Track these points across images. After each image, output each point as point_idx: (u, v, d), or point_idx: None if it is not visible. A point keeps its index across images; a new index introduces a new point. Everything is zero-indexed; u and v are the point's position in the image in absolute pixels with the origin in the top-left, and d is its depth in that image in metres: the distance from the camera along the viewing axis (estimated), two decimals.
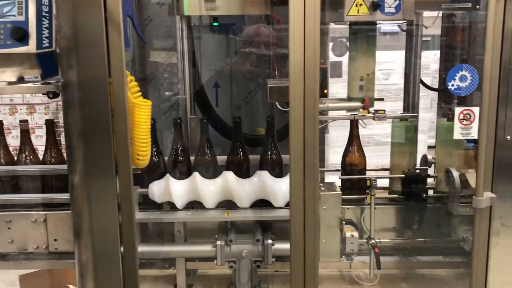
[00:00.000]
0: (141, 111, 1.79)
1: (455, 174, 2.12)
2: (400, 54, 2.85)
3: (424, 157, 2.41)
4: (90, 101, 1.74)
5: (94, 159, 1.78)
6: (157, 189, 2.15)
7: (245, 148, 2.27)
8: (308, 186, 1.82)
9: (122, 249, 1.85)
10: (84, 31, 1.69)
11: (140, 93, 1.88)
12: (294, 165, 1.81)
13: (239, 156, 2.23)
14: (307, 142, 1.79)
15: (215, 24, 2.70)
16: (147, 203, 2.26)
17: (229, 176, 2.11)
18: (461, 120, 1.81)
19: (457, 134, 1.83)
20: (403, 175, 2.32)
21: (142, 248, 2.24)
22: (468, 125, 1.81)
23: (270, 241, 2.19)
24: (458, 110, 1.80)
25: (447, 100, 2.55)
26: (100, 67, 1.72)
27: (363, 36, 2.23)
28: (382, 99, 2.46)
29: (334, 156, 3.14)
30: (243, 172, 2.25)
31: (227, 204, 2.22)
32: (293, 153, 1.80)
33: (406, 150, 2.33)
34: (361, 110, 2.18)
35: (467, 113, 1.80)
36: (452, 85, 1.81)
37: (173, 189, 2.10)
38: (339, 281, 2.48)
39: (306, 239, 1.86)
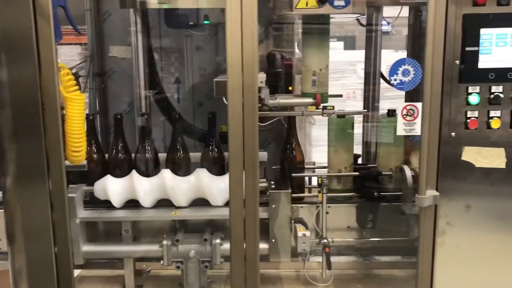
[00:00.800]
0: (73, 105, 1.73)
1: (408, 172, 2.07)
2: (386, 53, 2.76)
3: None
4: (21, 98, 1.67)
5: (26, 159, 1.71)
6: (98, 187, 2.09)
7: (185, 145, 2.20)
8: (248, 184, 1.76)
9: (56, 249, 1.78)
10: (11, 22, 1.63)
11: (76, 87, 1.81)
12: (233, 162, 1.75)
13: (178, 153, 2.16)
14: (247, 138, 1.73)
15: (206, 22, 2.64)
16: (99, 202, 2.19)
17: (165, 174, 2.05)
18: (405, 116, 1.75)
19: (401, 131, 1.77)
20: (356, 173, 2.27)
21: (87, 248, 2.18)
22: (411, 121, 1.76)
23: (218, 240, 2.13)
24: (401, 105, 1.75)
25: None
26: (30, 61, 1.65)
27: (315, 30, 2.17)
28: (340, 95, 2.40)
29: (317, 155, 3.08)
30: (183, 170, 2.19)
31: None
32: (232, 149, 1.74)
33: (342, 148, 2.27)
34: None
35: (411, 109, 1.75)
36: (395, 79, 1.75)
37: (109, 187, 2.04)
38: (294, 282, 2.42)
39: (246, 238, 1.80)
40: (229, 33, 1.67)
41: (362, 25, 2.55)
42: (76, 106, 1.73)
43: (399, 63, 1.75)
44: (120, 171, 2.11)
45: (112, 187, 2.05)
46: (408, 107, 1.74)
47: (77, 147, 1.77)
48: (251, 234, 1.80)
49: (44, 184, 1.73)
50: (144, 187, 2.04)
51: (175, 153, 2.14)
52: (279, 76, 2.70)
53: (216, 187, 2.04)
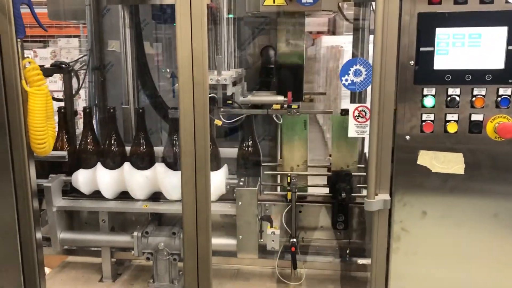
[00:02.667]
0: (35, 99, 1.80)
1: None
2: None
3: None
4: None
5: None
6: (73, 178, 2.19)
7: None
8: (200, 180, 1.78)
9: (20, 239, 1.87)
10: None
11: (43, 81, 1.88)
12: (184, 159, 1.77)
13: (141, 147, 2.20)
14: (198, 135, 1.74)
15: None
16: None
17: (125, 167, 2.11)
18: (356, 118, 1.70)
19: (352, 132, 1.73)
20: (329, 173, 2.23)
21: (64, 235, 2.28)
22: (363, 123, 1.71)
23: None
24: (352, 106, 1.70)
25: None
26: None
27: (288, 27, 2.15)
28: (324, 93, 2.37)
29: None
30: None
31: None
32: (184, 147, 1.76)
33: (296, 146, 2.23)
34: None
35: (362, 110, 1.69)
36: (346, 80, 1.70)
37: (79, 178, 2.12)
38: (267, 279, 2.43)
39: (198, 234, 1.82)
40: (179, 31, 1.68)
41: (348, 20, 2.48)
42: (38, 100, 1.80)
43: (351, 63, 1.69)
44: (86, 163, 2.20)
45: (80, 178, 2.13)
46: (360, 108, 1.69)
47: (41, 140, 1.84)
48: (203, 229, 1.81)
49: (8, 176, 1.82)
50: (105, 180, 2.11)
51: (138, 147, 2.18)
52: (272, 72, 2.68)
53: (168, 182, 2.08)
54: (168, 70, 2.99)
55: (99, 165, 2.15)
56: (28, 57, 1.90)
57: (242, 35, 2.75)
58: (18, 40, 1.78)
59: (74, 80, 2.61)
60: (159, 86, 2.96)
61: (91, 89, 3.04)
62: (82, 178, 2.16)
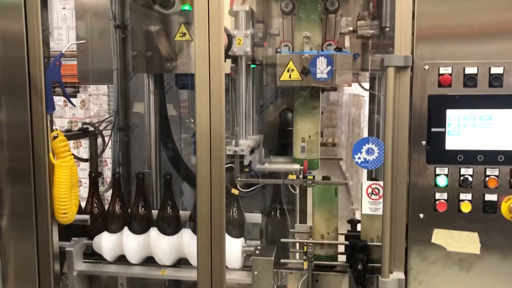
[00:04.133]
0: (61, 172, 1.89)
1: None
2: None
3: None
4: (17, 166, 1.88)
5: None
6: (95, 242, 2.25)
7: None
8: (215, 248, 1.81)
9: None
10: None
11: (69, 152, 1.97)
12: (201, 227, 1.81)
13: (168, 212, 2.24)
14: (214, 205, 1.79)
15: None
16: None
17: (152, 233, 2.17)
18: (370, 195, 1.73)
19: (366, 209, 1.74)
20: (340, 242, 2.23)
21: None
22: (377, 200, 1.73)
23: None
24: (366, 184, 1.73)
25: None
26: (23, 131, 1.86)
27: (304, 97, 2.22)
28: (340, 159, 2.40)
29: None
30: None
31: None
32: (200, 214, 1.80)
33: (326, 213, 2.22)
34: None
35: (376, 188, 1.72)
36: (359, 158, 1.74)
37: (103, 243, 2.19)
38: None
39: None
40: (198, 102, 1.75)
41: (365, 89, 2.55)
42: (63, 172, 1.89)
43: (363, 141, 1.74)
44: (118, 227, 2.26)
45: (105, 243, 2.19)
46: (373, 186, 1.71)
47: (65, 210, 1.92)
48: None
49: (32, 239, 1.90)
50: (132, 245, 2.17)
51: (164, 212, 2.22)
52: (290, 135, 2.74)
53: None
54: (192, 120, 3.09)
55: (125, 229, 2.21)
56: (56, 129, 2.01)
57: (262, 97, 2.83)
58: (48, 115, 1.89)
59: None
60: (180, 139, 3.05)
61: (115, 149, 3.15)
62: (106, 243, 2.21)
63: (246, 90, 2.27)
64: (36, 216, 1.90)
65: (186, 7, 2.16)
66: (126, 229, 2.23)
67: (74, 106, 2.27)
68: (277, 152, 2.71)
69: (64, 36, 6.66)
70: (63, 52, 1.92)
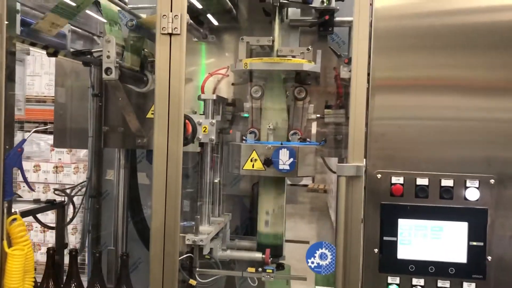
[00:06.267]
0: (13, 261, 1.86)
1: None
2: None
3: None
4: None
5: None
6: None
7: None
8: None
9: None
10: None
11: (26, 237, 1.95)
12: None
13: None
14: None
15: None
16: None
17: None
18: None
19: None
20: None
21: None
22: None
23: None
24: None
25: None
26: None
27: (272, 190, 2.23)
28: (307, 242, 2.39)
29: None
30: None
31: None
32: None
33: None
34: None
35: None
36: (312, 262, 1.73)
37: None
38: None
39: None
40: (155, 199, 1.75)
41: (333, 172, 2.56)
42: (16, 262, 1.86)
43: (316, 246, 1.74)
44: None
45: None
46: None
47: None
48: None
49: None
50: None
51: None
52: None
53: None
54: None
55: None
56: (15, 212, 1.99)
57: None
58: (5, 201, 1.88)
59: None
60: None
61: (86, 217, 3.11)
62: None
63: (210, 174, 2.27)
64: None
65: None
66: None
67: (34, 191, 2.27)
68: (247, 227, 2.70)
69: (36, 80, 6.67)
70: (25, 139, 1.93)
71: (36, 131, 6.54)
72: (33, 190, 2.05)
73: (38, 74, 7.06)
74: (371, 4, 1.64)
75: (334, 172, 2.55)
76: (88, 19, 2.95)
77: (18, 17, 2.14)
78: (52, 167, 6.60)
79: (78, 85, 3.12)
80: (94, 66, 2.81)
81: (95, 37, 2.98)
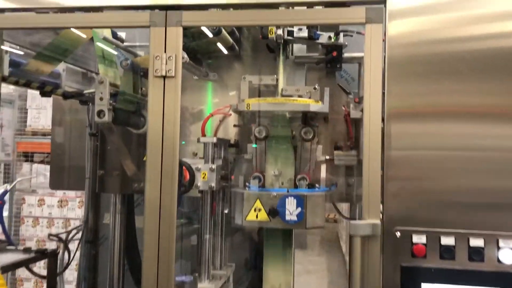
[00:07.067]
0: None
1: None
2: None
3: None
4: None
5: None
6: None
7: None
8: None
9: None
10: None
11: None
12: None
13: None
14: None
15: None
16: None
17: None
18: None
19: None
20: None
21: None
22: None
23: None
24: None
25: None
26: None
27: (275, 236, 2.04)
28: None
29: None
30: None
31: None
32: None
33: None
34: None
35: None
36: None
37: None
38: None
39: None
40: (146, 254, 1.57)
41: (344, 217, 2.37)
42: None
43: None
44: None
45: None
46: None
47: None
48: None
49: None
50: None
51: None
52: None
53: None
54: None
55: None
56: None
57: None
58: None
59: None
60: None
61: (81, 263, 2.94)
62: None
63: (211, 223, 2.10)
64: None
65: None
66: None
67: (15, 246, 2.14)
68: (253, 279, 2.51)
69: (42, 114, 6.59)
70: (7, 190, 1.78)
71: (41, 162, 6.48)
72: (13, 244, 1.90)
73: (44, 107, 7.02)
74: (385, 33, 1.49)
75: (348, 218, 2.36)
76: (86, 53, 2.83)
77: (7, 58, 2.04)
78: (57, 201, 6.49)
79: (77, 123, 3.01)
80: (92, 104, 2.68)
81: (93, 74, 2.86)
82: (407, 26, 1.51)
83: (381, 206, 1.46)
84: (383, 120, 1.47)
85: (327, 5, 1.54)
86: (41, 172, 6.62)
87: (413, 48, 1.50)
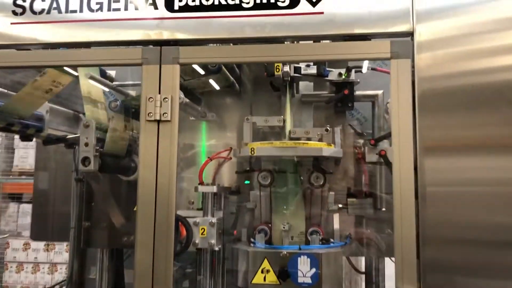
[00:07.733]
0: None
1: None
2: None
3: None
4: None
5: None
6: None
7: None
8: None
9: None
10: None
11: None
12: None
13: None
14: None
15: None
16: None
17: None
18: None
19: None
20: None
21: None
22: None
23: None
24: None
25: None
26: None
27: None
28: None
29: None
30: None
31: None
32: None
33: None
34: None
35: None
36: None
37: None
38: None
39: None
40: None
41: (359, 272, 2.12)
42: None
43: None
44: None
45: None
46: None
47: None
48: None
49: None
50: None
51: None
52: None
53: None
54: None
55: None
56: None
57: None
58: None
59: None
60: None
61: None
62: None
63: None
64: None
65: None
66: None
67: None
68: None
69: (30, 153, 6.37)
70: None
71: (29, 202, 6.26)
72: None
73: (32, 146, 6.80)
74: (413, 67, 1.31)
75: (363, 273, 2.12)
76: (75, 91, 2.62)
77: None
78: (43, 244, 6.20)
79: (63, 166, 2.77)
80: (78, 148, 2.45)
81: (81, 115, 2.65)
82: (437, 58, 1.34)
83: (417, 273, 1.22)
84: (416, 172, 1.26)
85: (346, 38, 1.34)
86: (28, 212, 6.35)
87: (445, 80, 1.33)
